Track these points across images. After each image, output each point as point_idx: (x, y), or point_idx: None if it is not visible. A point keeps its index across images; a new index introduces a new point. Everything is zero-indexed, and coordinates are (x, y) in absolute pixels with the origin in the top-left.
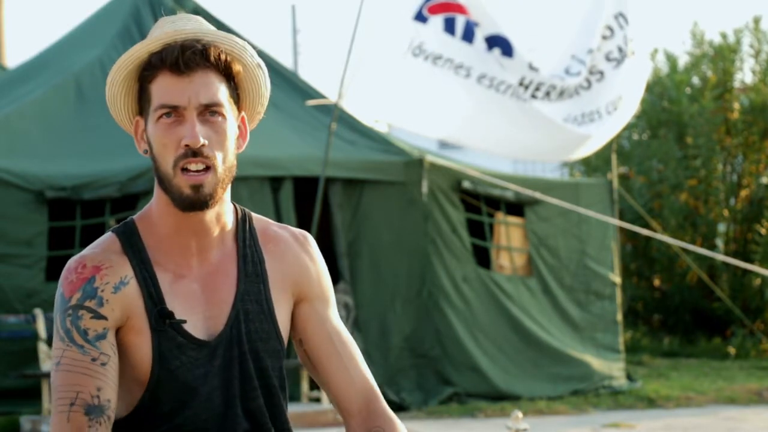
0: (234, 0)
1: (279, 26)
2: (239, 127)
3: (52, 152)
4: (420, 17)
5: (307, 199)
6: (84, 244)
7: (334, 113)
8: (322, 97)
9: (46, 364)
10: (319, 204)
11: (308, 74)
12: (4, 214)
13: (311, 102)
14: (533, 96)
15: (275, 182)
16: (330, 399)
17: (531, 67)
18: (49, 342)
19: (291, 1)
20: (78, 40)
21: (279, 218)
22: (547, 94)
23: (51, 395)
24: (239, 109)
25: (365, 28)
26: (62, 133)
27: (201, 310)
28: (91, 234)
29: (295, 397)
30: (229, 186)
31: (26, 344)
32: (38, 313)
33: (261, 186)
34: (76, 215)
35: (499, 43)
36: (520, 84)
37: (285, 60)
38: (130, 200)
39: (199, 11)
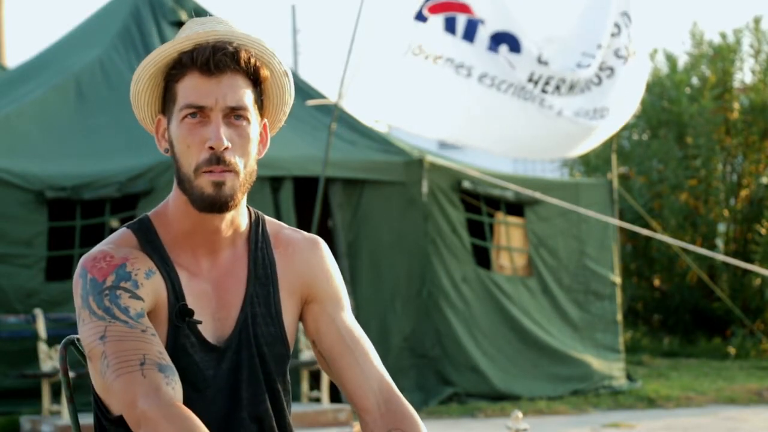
0: (234, 0)
1: (279, 26)
2: (261, 133)
3: (52, 152)
4: (420, 17)
5: (307, 199)
6: (84, 244)
7: (334, 113)
8: (322, 97)
9: (46, 364)
10: (319, 204)
11: (308, 74)
12: (4, 214)
13: (311, 102)
14: (543, 90)
15: (275, 182)
16: (346, 397)
17: (540, 61)
18: (49, 342)
19: (291, 1)
20: (78, 40)
21: (279, 218)
22: (557, 87)
23: (102, 365)
24: (262, 115)
25: (365, 28)
26: (62, 133)
27: (211, 312)
28: (91, 234)
29: (295, 397)
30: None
31: (26, 344)
32: (38, 313)
33: (261, 186)
34: (76, 215)
35: (506, 40)
36: (530, 80)
37: (285, 60)
38: (130, 200)
39: (199, 11)
